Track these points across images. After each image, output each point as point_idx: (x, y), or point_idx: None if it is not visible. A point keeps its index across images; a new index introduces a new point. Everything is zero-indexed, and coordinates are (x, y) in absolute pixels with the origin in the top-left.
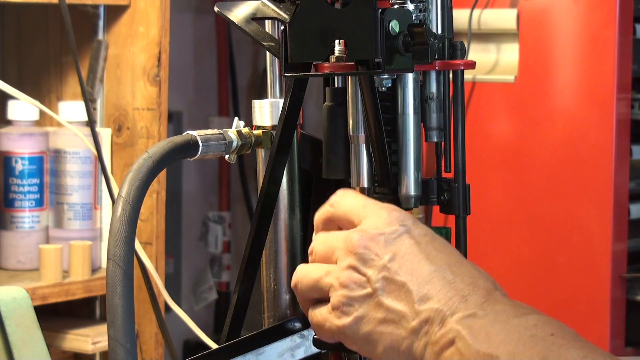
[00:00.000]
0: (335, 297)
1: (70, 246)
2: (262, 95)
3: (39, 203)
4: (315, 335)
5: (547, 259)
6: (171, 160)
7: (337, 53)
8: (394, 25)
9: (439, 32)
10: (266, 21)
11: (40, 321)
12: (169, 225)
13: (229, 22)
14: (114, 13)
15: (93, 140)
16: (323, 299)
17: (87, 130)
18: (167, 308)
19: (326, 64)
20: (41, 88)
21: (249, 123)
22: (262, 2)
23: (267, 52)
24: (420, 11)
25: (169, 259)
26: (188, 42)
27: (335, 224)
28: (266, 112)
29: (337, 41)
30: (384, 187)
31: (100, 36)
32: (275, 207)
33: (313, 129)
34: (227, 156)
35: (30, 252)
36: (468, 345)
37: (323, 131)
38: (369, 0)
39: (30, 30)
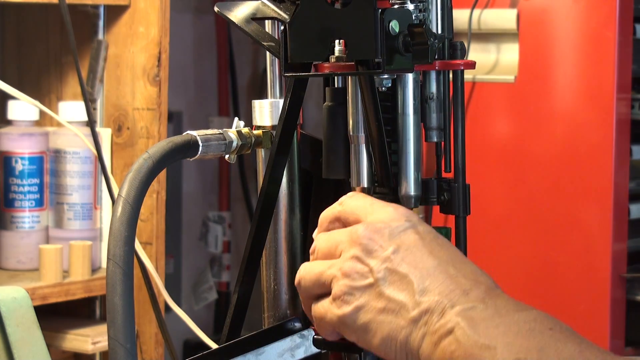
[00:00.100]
0: (337, 286)
1: (70, 246)
2: (262, 95)
3: (39, 203)
4: (315, 334)
5: (547, 259)
6: (171, 160)
7: (337, 53)
8: (394, 25)
9: (439, 32)
10: (266, 21)
11: (40, 321)
12: (169, 225)
13: (229, 22)
14: (114, 13)
15: (93, 140)
16: (325, 294)
17: (87, 130)
18: (167, 308)
19: (326, 64)
20: (41, 88)
21: (249, 123)
22: (262, 2)
23: (267, 52)
24: (420, 11)
25: (169, 259)
26: (188, 42)
27: (341, 223)
28: (266, 112)
29: (337, 41)
30: (384, 187)
31: (100, 36)
32: (275, 207)
33: (313, 129)
34: (227, 156)
35: (30, 252)
36: (466, 335)
37: (323, 131)
38: (369, 0)
39: (30, 30)
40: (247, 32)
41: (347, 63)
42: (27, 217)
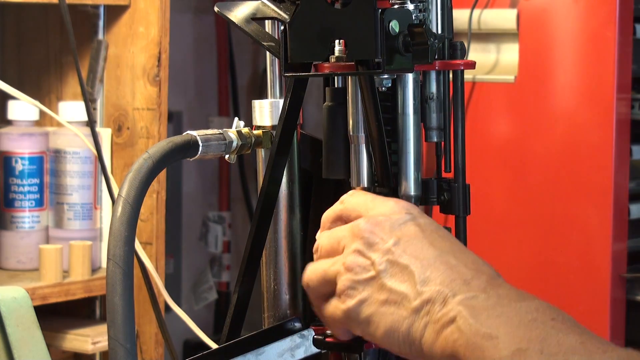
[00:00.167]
0: (341, 282)
1: (70, 246)
2: (262, 95)
3: (39, 203)
4: (315, 334)
5: (547, 259)
6: (171, 160)
7: (337, 53)
8: (394, 25)
9: (439, 32)
10: (266, 21)
11: (40, 321)
12: (169, 225)
13: (229, 22)
14: (114, 13)
15: (93, 140)
16: (334, 292)
17: (87, 130)
18: (167, 308)
19: (326, 64)
20: (41, 88)
21: (249, 123)
22: (262, 2)
23: (267, 52)
24: (420, 11)
25: (169, 259)
26: (188, 42)
27: (343, 221)
28: (266, 112)
29: (337, 41)
30: (384, 187)
31: (100, 36)
32: (275, 207)
33: (313, 129)
34: (227, 156)
35: (30, 252)
36: (468, 324)
37: (323, 131)
38: (369, 0)
39: (30, 30)
40: (247, 32)
41: (347, 63)
42: (27, 217)
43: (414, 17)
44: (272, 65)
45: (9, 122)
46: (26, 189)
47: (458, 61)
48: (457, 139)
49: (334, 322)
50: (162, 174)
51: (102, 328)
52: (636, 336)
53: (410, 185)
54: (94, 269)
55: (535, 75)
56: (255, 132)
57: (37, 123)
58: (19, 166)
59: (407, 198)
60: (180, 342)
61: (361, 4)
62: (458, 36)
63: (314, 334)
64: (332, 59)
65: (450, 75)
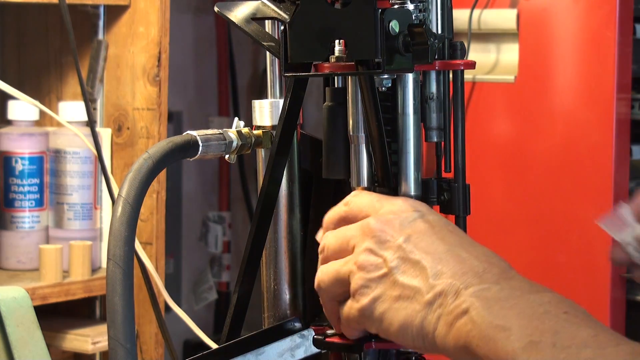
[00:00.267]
0: (354, 281)
1: (70, 246)
2: (262, 95)
3: (39, 203)
4: (315, 334)
5: (547, 259)
6: (171, 160)
7: (337, 53)
8: (394, 25)
9: (439, 32)
10: (266, 21)
11: (40, 321)
12: (169, 225)
13: (229, 22)
14: (114, 13)
15: (93, 140)
16: (348, 295)
17: (87, 130)
18: (167, 308)
19: (326, 64)
20: (41, 88)
21: (249, 123)
22: (262, 2)
23: (267, 52)
24: (420, 11)
25: (169, 259)
26: (188, 42)
27: (347, 223)
28: (266, 112)
29: (337, 41)
30: (384, 187)
31: (100, 36)
32: (275, 207)
33: (313, 129)
34: (227, 156)
35: (30, 252)
36: (481, 315)
37: (323, 131)
38: (369, 0)
39: (30, 30)
40: (247, 32)
41: (347, 63)
42: (27, 217)
43: (414, 17)
44: (272, 65)
45: (9, 122)
46: (26, 189)
47: (458, 61)
48: (457, 139)
49: (349, 321)
50: (162, 174)
51: (102, 328)
52: (636, 336)
53: (410, 185)
54: (94, 269)
55: (535, 75)
56: (255, 132)
57: (37, 123)
58: (19, 166)
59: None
60: (180, 342)
61: (361, 4)
62: (458, 36)
63: (314, 334)
64: (332, 59)
65: (450, 75)
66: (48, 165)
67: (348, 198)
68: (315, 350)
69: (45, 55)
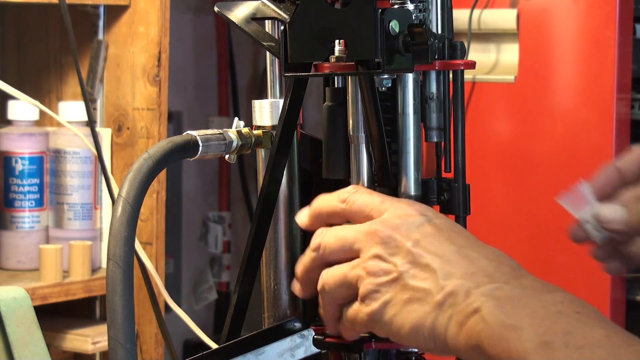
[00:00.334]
0: (364, 286)
1: (70, 246)
2: (262, 95)
3: (39, 203)
4: (315, 334)
5: (547, 259)
6: (171, 160)
7: (337, 53)
8: (394, 25)
9: (439, 32)
10: (266, 21)
11: (40, 321)
12: (169, 225)
13: (229, 22)
14: (114, 13)
15: (93, 140)
16: (353, 297)
17: (87, 130)
18: (167, 308)
19: (326, 64)
20: (41, 88)
21: (249, 123)
22: (262, 2)
23: (267, 52)
24: (420, 11)
25: (169, 259)
26: (188, 42)
27: (343, 219)
28: (266, 112)
29: (337, 41)
30: (384, 187)
31: (100, 36)
32: (275, 207)
33: (313, 129)
34: (227, 156)
35: (30, 252)
36: (493, 314)
37: (323, 131)
38: (369, 0)
39: (30, 30)
40: (247, 32)
41: (347, 63)
42: (27, 217)
43: (414, 17)
44: (272, 65)
45: (9, 122)
46: (26, 189)
47: (458, 61)
48: (457, 139)
49: (355, 325)
50: (162, 174)
51: (102, 328)
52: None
53: (410, 185)
54: (94, 269)
55: (535, 75)
56: (255, 132)
57: (37, 123)
58: (19, 166)
59: (407, 198)
60: (180, 342)
61: (361, 4)
62: (458, 36)
63: (314, 334)
64: (332, 59)
65: (450, 75)
66: (48, 165)
67: (347, 196)
68: (315, 350)
69: (45, 55)
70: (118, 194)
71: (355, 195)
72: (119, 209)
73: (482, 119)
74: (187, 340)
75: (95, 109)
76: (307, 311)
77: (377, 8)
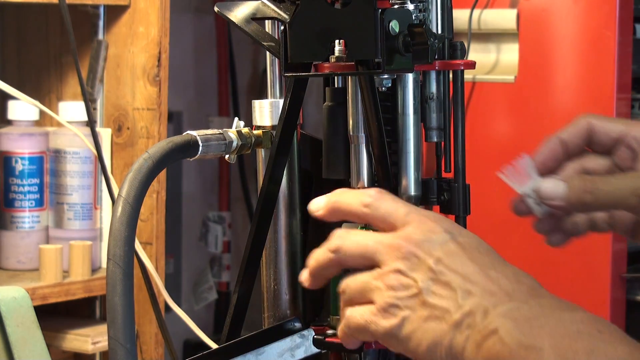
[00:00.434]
0: (382, 298)
1: (70, 246)
2: (262, 95)
3: (39, 203)
4: (315, 334)
5: (547, 259)
6: (171, 160)
7: (337, 53)
8: (394, 25)
9: (439, 32)
10: (266, 21)
11: (40, 321)
12: (169, 225)
13: (229, 22)
14: (114, 13)
15: (93, 140)
16: (363, 303)
17: (87, 130)
18: (167, 308)
19: (326, 64)
20: (41, 88)
21: (249, 123)
22: (262, 2)
23: (267, 52)
24: (420, 11)
25: (169, 259)
26: (188, 42)
27: (362, 221)
28: (266, 112)
29: (337, 41)
30: (384, 187)
31: (100, 36)
32: (275, 207)
33: (313, 129)
34: (227, 156)
35: (30, 252)
36: (511, 335)
37: (323, 131)
38: (369, 0)
39: (30, 30)
40: (247, 32)
41: (347, 63)
42: (27, 217)
43: (414, 17)
44: (272, 65)
45: (9, 122)
46: (26, 189)
47: (458, 61)
48: (457, 139)
49: (365, 334)
50: (162, 174)
51: (102, 328)
52: (636, 336)
53: (410, 185)
54: (94, 269)
55: (535, 75)
56: (255, 132)
57: (37, 123)
58: (19, 166)
59: (407, 198)
60: (180, 342)
61: (361, 4)
62: (458, 36)
63: (314, 334)
64: (332, 59)
65: (450, 75)
66: (48, 165)
67: (369, 199)
68: (315, 350)
69: (45, 55)
70: (118, 194)
71: (380, 202)
72: (119, 209)
73: (482, 119)
74: (187, 340)
75: (95, 109)
76: (307, 311)
77: (377, 8)
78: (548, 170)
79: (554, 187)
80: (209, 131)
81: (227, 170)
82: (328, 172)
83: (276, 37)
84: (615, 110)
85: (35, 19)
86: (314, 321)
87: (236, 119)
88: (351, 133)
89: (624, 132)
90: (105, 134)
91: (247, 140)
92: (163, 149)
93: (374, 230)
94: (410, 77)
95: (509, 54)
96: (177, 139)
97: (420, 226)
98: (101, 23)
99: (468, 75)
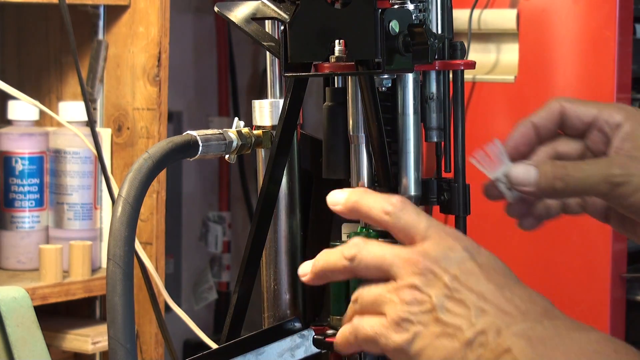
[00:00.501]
0: (395, 311)
1: (70, 246)
2: (262, 95)
3: (39, 203)
4: (315, 334)
5: (547, 259)
6: (171, 160)
7: (337, 53)
8: (394, 25)
9: (439, 32)
10: (266, 21)
11: (40, 321)
12: (169, 225)
13: (229, 22)
14: (114, 13)
15: (93, 140)
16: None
17: (87, 130)
18: (167, 308)
19: (326, 64)
20: (41, 88)
21: (249, 123)
22: (262, 2)
23: (267, 52)
24: (420, 11)
25: (169, 259)
26: (188, 42)
27: (380, 226)
28: (266, 112)
29: (337, 41)
30: (384, 187)
31: (100, 36)
32: (275, 207)
33: (313, 129)
34: (227, 156)
35: (30, 252)
36: (525, 354)
37: (323, 131)
38: (369, 0)
39: (30, 30)
40: (247, 32)
41: (347, 63)
42: (27, 217)
43: (414, 17)
44: (272, 65)
45: (9, 122)
46: (26, 189)
47: (458, 61)
48: (457, 139)
49: (373, 345)
50: (162, 174)
51: (102, 328)
52: (636, 336)
53: (410, 185)
54: (94, 269)
55: (535, 75)
56: (255, 132)
57: (37, 123)
58: (19, 166)
59: (407, 198)
60: (180, 342)
61: (361, 4)
62: (458, 36)
63: (314, 334)
64: (332, 59)
65: (450, 75)
66: (48, 165)
67: (390, 207)
68: (315, 350)
69: (45, 55)
70: (118, 194)
71: (402, 212)
72: (119, 209)
73: (482, 119)
74: (187, 340)
75: (95, 109)
76: (307, 311)
77: (377, 8)
78: (520, 154)
79: (524, 173)
80: (209, 131)
81: (227, 170)
82: (328, 172)
83: (276, 37)
84: None
85: (35, 19)
86: (314, 321)
87: (236, 119)
88: (351, 133)
89: (596, 116)
90: (105, 134)
91: (247, 140)
92: (163, 149)
93: (374, 230)
94: (410, 77)
95: (509, 54)
96: (177, 139)
97: (440, 242)
98: (101, 23)
99: (468, 75)
